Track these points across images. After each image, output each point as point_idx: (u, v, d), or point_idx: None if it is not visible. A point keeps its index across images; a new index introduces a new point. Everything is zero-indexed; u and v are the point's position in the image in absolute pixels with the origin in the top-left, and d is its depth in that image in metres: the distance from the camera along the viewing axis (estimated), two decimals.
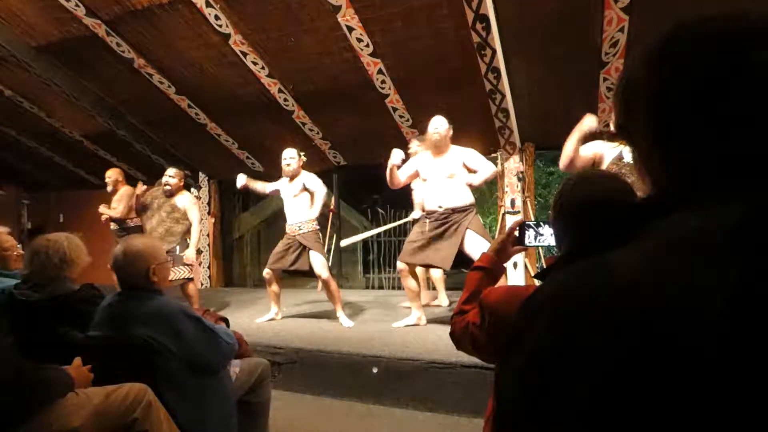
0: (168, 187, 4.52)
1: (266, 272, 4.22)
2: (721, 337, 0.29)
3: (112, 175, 5.25)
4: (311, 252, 4.08)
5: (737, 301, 0.29)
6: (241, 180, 4.42)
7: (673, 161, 0.43)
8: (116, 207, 4.97)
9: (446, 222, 3.55)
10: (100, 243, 5.19)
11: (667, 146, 0.43)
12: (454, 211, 3.56)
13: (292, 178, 4.27)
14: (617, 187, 1.09)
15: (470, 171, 3.64)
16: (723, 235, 0.33)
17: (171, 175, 4.54)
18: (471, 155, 3.65)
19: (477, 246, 3.43)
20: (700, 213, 0.36)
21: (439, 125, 3.61)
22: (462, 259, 3.57)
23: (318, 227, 4.28)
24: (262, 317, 4.31)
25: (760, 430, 0.27)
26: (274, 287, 4.27)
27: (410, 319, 3.84)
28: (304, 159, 4.72)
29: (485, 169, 3.58)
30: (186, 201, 4.54)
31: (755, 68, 0.38)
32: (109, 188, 5.23)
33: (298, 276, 4.74)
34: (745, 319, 0.29)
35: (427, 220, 3.64)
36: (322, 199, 4.19)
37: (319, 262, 4.05)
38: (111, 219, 5.01)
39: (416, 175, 3.81)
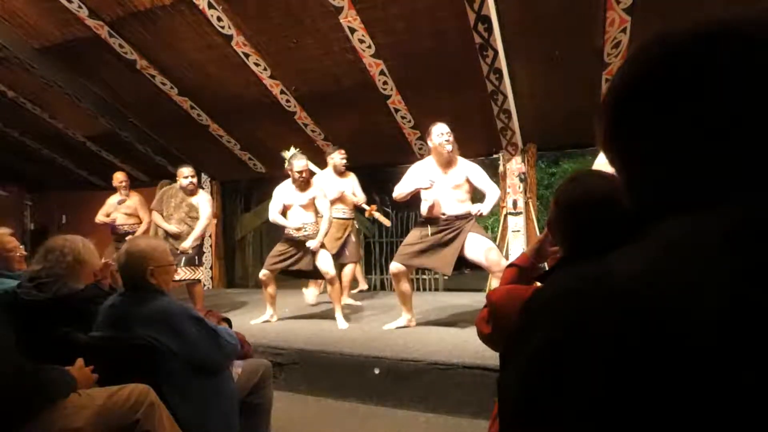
0: (191, 187, 4.66)
1: (264, 273, 4.17)
2: (721, 336, 0.29)
3: (124, 179, 5.37)
4: (319, 250, 4.06)
5: (736, 301, 0.30)
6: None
7: (669, 165, 0.43)
8: (143, 215, 5.32)
9: (448, 228, 3.58)
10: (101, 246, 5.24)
11: (663, 151, 0.43)
12: (457, 218, 3.60)
13: (303, 188, 4.18)
14: (615, 187, 1.09)
15: (472, 187, 3.66)
16: (721, 236, 0.33)
17: (190, 175, 4.68)
18: (477, 172, 3.65)
19: (477, 244, 3.50)
20: (698, 215, 0.37)
21: (448, 135, 3.55)
22: (461, 262, 3.62)
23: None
24: (257, 319, 4.30)
25: (761, 428, 0.28)
26: (270, 289, 4.22)
27: (401, 321, 3.81)
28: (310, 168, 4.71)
29: (491, 193, 3.65)
30: (201, 199, 4.71)
31: (743, 70, 0.38)
32: (122, 191, 5.33)
33: (300, 277, 4.75)
34: (744, 318, 0.29)
35: (429, 225, 3.62)
36: (327, 225, 4.18)
37: (326, 261, 4.05)
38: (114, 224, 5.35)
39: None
